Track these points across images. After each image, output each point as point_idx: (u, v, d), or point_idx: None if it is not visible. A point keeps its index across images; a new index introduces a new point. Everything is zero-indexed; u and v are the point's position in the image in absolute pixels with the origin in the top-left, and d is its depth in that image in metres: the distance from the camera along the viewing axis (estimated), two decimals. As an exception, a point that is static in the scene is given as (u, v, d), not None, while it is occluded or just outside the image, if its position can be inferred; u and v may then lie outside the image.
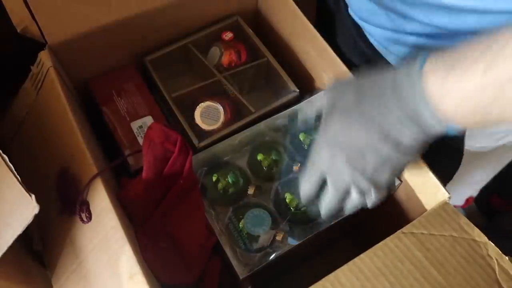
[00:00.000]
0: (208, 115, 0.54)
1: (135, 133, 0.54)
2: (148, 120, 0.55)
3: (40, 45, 0.53)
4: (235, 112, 0.58)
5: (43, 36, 0.52)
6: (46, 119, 0.50)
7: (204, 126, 0.54)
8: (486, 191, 1.16)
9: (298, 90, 0.58)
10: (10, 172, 0.40)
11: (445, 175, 0.62)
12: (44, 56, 0.51)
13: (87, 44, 0.55)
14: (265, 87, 0.65)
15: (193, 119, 0.55)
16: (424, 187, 0.47)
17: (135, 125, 0.54)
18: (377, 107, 0.31)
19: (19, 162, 0.40)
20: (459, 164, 0.61)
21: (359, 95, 0.32)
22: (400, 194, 0.52)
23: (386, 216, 0.57)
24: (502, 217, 1.10)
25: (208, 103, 0.54)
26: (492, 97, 0.27)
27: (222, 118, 0.54)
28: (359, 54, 0.57)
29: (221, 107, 0.55)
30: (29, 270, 0.44)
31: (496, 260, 0.38)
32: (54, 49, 0.53)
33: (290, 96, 0.58)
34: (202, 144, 0.53)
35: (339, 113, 0.33)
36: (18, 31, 0.51)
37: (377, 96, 0.31)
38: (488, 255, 0.39)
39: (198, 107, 0.54)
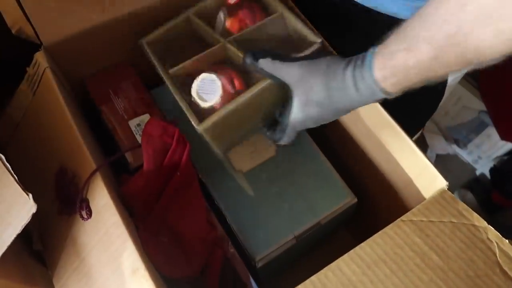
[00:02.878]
0: (205, 89, 0.46)
1: (134, 131, 0.54)
2: (146, 118, 0.55)
3: (35, 46, 0.53)
4: (245, 82, 0.49)
5: (38, 37, 0.52)
6: (43, 119, 0.50)
7: (200, 103, 0.46)
8: (487, 187, 1.17)
9: (321, 40, 0.50)
10: (7, 172, 0.40)
11: (425, 114, 0.70)
12: (40, 57, 0.51)
13: (82, 43, 0.55)
14: (282, 48, 0.53)
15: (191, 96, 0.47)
16: (421, 176, 0.47)
17: (133, 123, 0.54)
18: (344, 101, 0.41)
19: (17, 164, 0.40)
20: (437, 104, 0.68)
21: (329, 91, 0.41)
22: (398, 183, 0.52)
23: (384, 206, 0.57)
24: (503, 213, 1.11)
25: (203, 75, 0.45)
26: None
27: (220, 91, 0.45)
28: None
29: (217, 78, 0.45)
30: (30, 269, 0.44)
31: (496, 243, 0.38)
32: (49, 50, 0.53)
33: (313, 49, 0.49)
34: (202, 127, 0.45)
35: (315, 106, 0.42)
36: (13, 32, 0.51)
37: (343, 91, 0.40)
38: (488, 238, 0.39)
39: (194, 81, 0.46)
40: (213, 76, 0.46)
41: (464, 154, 1.24)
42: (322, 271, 0.39)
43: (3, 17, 0.50)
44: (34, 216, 0.37)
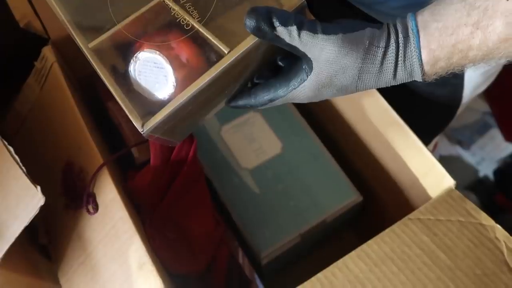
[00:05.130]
0: (149, 76, 0.34)
1: (139, 127, 0.54)
2: (152, 113, 0.54)
3: (42, 41, 0.53)
4: (201, 54, 0.35)
5: (46, 31, 0.52)
6: (50, 113, 0.50)
7: (146, 92, 0.34)
8: (490, 189, 1.17)
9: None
10: (16, 164, 0.40)
11: (438, 125, 0.66)
12: (47, 52, 0.51)
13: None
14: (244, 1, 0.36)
15: (131, 83, 0.35)
16: (429, 174, 0.47)
17: (139, 119, 0.54)
18: (371, 84, 0.34)
19: (23, 158, 0.40)
20: (450, 120, 0.64)
21: (361, 75, 0.33)
22: (404, 182, 0.52)
23: (390, 205, 0.57)
24: (506, 215, 1.11)
25: (144, 55, 0.34)
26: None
27: (171, 80, 0.34)
28: None
29: (164, 60, 0.34)
30: (35, 263, 0.44)
31: (504, 242, 0.38)
32: (57, 44, 0.53)
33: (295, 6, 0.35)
34: (148, 128, 0.34)
35: (334, 89, 0.34)
36: (21, 26, 0.51)
37: (377, 75, 0.33)
38: (496, 237, 0.39)
39: (131, 62, 0.34)
40: (158, 57, 0.34)
41: (468, 156, 1.24)
42: (328, 268, 0.39)
43: (12, 11, 0.50)
44: (40, 209, 0.37)
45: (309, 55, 0.32)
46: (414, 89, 0.59)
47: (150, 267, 0.38)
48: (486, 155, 1.21)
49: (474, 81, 0.59)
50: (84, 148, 0.45)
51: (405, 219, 0.41)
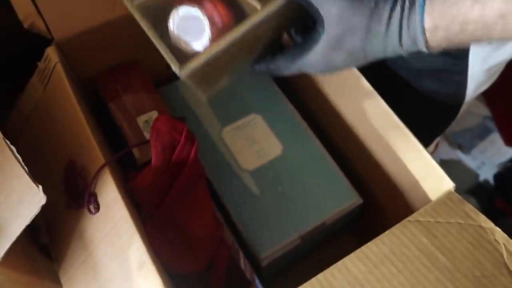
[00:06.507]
0: (187, 30, 0.38)
1: (141, 128, 0.54)
2: (154, 114, 0.55)
3: (45, 42, 0.53)
4: (233, 13, 0.40)
5: (50, 32, 0.52)
6: (53, 113, 0.51)
7: (182, 47, 0.38)
8: (490, 193, 1.17)
9: None
10: (18, 163, 0.40)
11: (441, 124, 0.68)
12: (51, 52, 0.52)
13: (93, 40, 0.55)
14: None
15: (170, 37, 0.39)
16: (428, 177, 0.47)
17: (141, 120, 0.55)
18: (379, 51, 0.37)
19: (26, 156, 0.41)
20: (453, 119, 0.66)
21: (368, 37, 0.36)
22: (404, 185, 0.52)
23: (390, 208, 0.57)
24: (506, 220, 1.11)
25: (182, 9, 0.37)
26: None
27: (208, 32, 0.37)
28: None
29: (202, 14, 0.37)
30: (36, 262, 0.45)
31: (504, 244, 0.38)
32: (60, 45, 0.54)
33: None
34: (184, 71, 0.37)
35: (344, 53, 0.37)
36: (25, 27, 0.51)
37: (384, 39, 0.36)
38: (495, 240, 0.39)
39: (171, 16, 0.38)
40: (196, 12, 0.37)
41: (468, 160, 1.24)
42: (328, 269, 0.39)
43: (15, 12, 0.51)
44: (42, 208, 0.38)
45: (321, 12, 0.36)
46: (418, 87, 0.59)
47: (150, 267, 0.38)
48: (487, 160, 1.21)
49: (477, 79, 0.59)
50: (86, 147, 0.46)
51: (404, 221, 0.42)
